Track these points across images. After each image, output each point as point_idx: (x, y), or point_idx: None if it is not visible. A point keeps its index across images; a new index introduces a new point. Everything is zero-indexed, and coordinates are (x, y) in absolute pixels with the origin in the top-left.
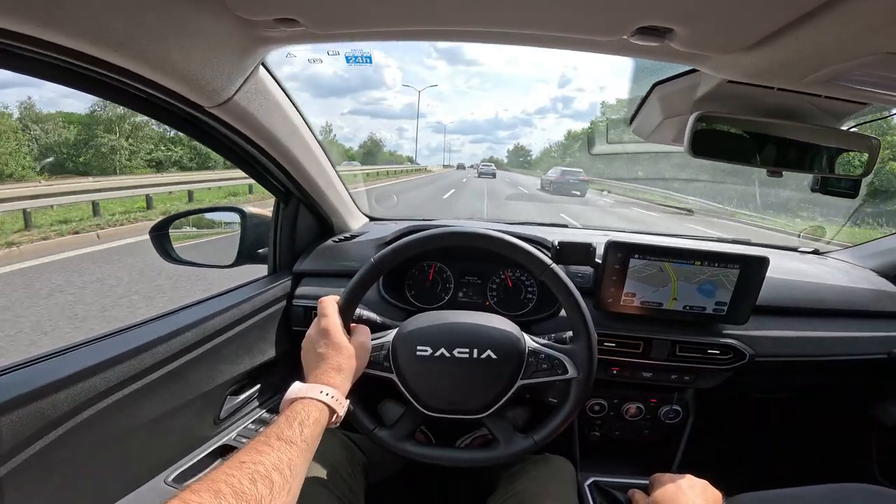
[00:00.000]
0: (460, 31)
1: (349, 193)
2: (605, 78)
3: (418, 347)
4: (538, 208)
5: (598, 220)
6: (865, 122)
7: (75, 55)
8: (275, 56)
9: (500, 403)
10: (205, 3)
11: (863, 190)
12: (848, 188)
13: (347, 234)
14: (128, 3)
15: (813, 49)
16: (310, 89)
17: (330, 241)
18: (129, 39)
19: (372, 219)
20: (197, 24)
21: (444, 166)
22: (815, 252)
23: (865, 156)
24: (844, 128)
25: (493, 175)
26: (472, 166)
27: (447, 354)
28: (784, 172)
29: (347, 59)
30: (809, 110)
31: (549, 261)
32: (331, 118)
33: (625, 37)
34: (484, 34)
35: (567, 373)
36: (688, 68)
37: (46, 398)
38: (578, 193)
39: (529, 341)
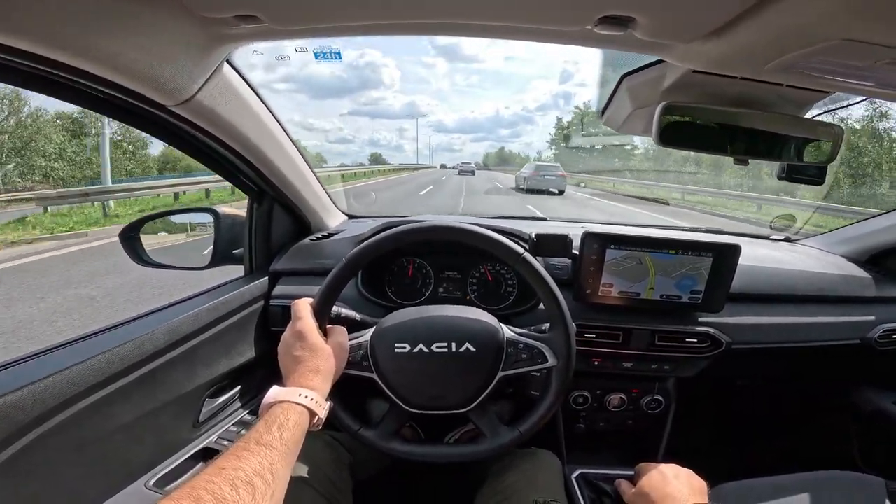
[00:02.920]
0: (424, 24)
1: (326, 191)
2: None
3: (396, 345)
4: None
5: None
6: (829, 111)
7: (20, 54)
8: (259, 59)
9: (482, 396)
10: (160, 2)
11: (829, 178)
12: (813, 175)
13: (325, 233)
14: (83, 6)
15: (771, 36)
16: (307, 90)
17: (307, 240)
18: (78, 38)
19: (350, 216)
20: (152, 21)
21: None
22: (787, 240)
23: (829, 143)
24: (808, 116)
25: (473, 172)
26: (453, 167)
27: (426, 350)
28: (752, 160)
29: (316, 56)
30: (773, 99)
31: (521, 250)
32: (331, 119)
33: (588, 27)
34: (448, 27)
35: (546, 361)
36: (654, 59)
37: (15, 403)
38: (555, 191)
39: (508, 332)
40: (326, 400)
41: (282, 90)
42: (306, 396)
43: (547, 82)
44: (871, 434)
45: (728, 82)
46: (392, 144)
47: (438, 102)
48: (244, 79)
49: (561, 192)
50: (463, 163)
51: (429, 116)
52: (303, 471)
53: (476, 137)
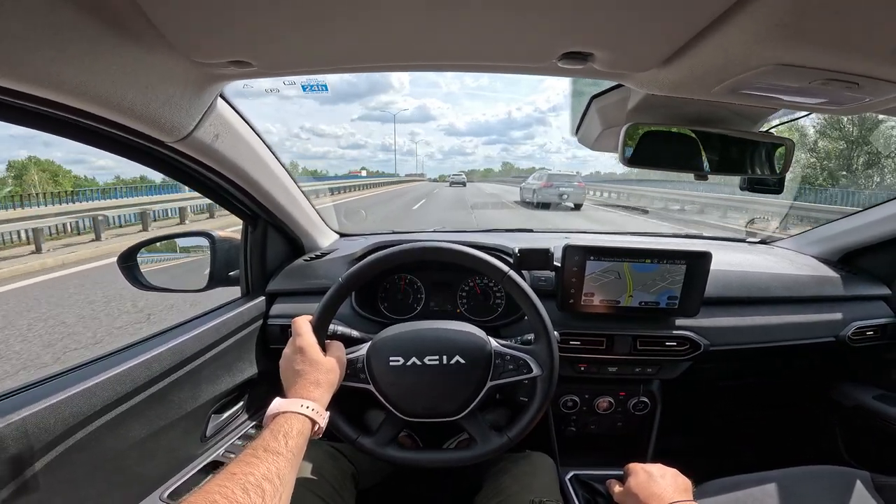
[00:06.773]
0: (404, 64)
1: (317, 212)
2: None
3: (391, 358)
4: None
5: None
6: (782, 124)
7: (32, 99)
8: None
9: (473, 405)
10: (157, 50)
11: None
12: (773, 185)
13: (318, 253)
14: (79, 50)
15: (714, 63)
16: (317, 97)
17: (300, 261)
18: (83, 85)
19: (342, 235)
20: (151, 67)
21: None
22: (763, 242)
23: (783, 155)
24: (762, 130)
25: (464, 184)
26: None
27: (419, 363)
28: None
29: (304, 88)
30: (728, 116)
31: (505, 268)
32: (342, 125)
33: (553, 61)
34: (427, 66)
35: (532, 371)
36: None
37: (37, 423)
38: (571, 205)
39: (495, 344)
40: (326, 410)
41: (292, 96)
42: (308, 407)
43: (559, 82)
44: (854, 429)
45: (686, 102)
46: (403, 149)
47: (450, 105)
48: (235, 110)
49: (578, 207)
50: (454, 175)
51: (439, 119)
52: (307, 481)
53: (488, 140)
